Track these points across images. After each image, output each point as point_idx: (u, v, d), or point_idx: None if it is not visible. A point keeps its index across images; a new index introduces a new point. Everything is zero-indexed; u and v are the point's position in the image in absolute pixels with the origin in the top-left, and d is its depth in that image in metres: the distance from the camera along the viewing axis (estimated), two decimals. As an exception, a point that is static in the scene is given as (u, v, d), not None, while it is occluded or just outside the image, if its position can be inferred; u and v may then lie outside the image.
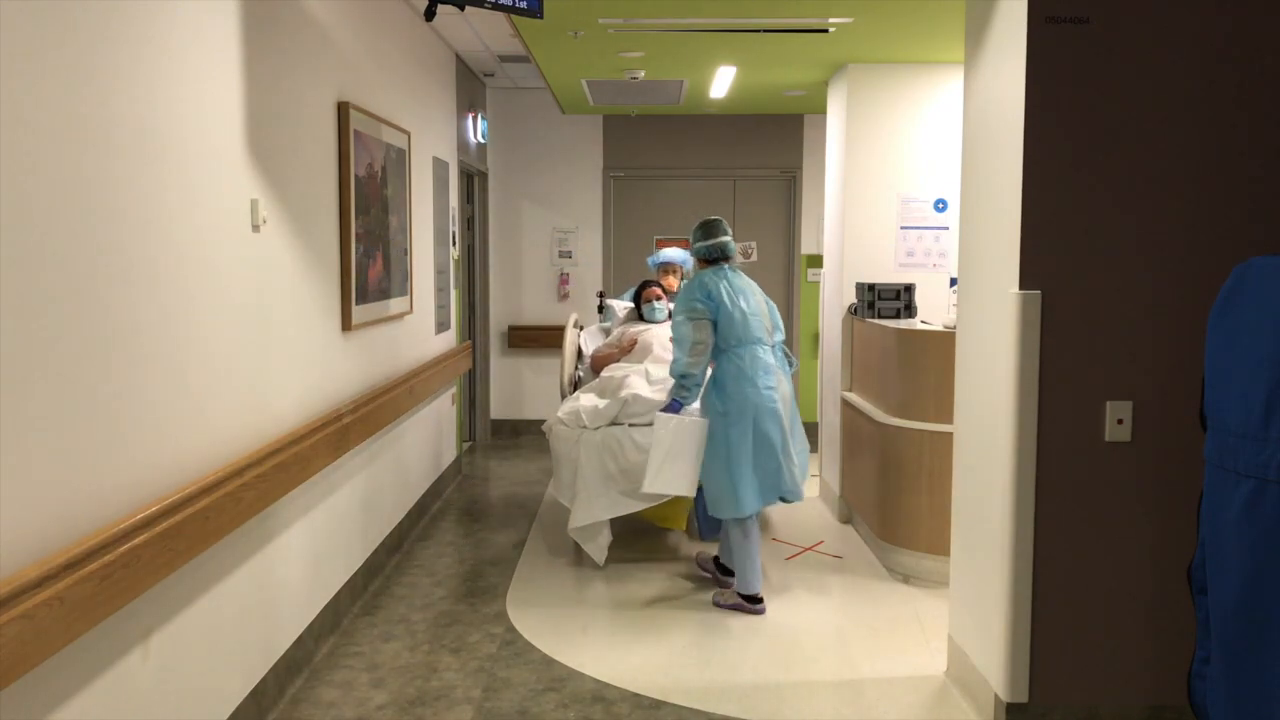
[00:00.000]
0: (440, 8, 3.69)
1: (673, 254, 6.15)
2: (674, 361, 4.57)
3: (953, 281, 5.86)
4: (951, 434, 3.92)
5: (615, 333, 6.05)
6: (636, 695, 3.63)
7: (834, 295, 6.25)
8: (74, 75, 2.30)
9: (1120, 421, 3.20)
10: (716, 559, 4.89)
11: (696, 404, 4.66)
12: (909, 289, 5.59)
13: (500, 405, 8.67)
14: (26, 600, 2.03)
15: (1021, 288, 3.20)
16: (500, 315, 8.61)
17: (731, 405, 4.44)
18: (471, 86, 7.63)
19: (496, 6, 3.76)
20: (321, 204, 4.05)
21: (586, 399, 5.17)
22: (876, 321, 5.42)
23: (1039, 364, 3.20)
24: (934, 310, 5.84)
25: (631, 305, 6.20)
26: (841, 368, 5.98)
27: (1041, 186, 3.19)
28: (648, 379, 5.23)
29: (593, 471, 4.90)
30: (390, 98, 5.16)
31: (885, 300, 5.57)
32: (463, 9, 3.68)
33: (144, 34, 2.61)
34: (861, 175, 5.96)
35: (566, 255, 8.61)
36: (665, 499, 4.83)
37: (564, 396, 5.72)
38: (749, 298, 4.57)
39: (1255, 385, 1.97)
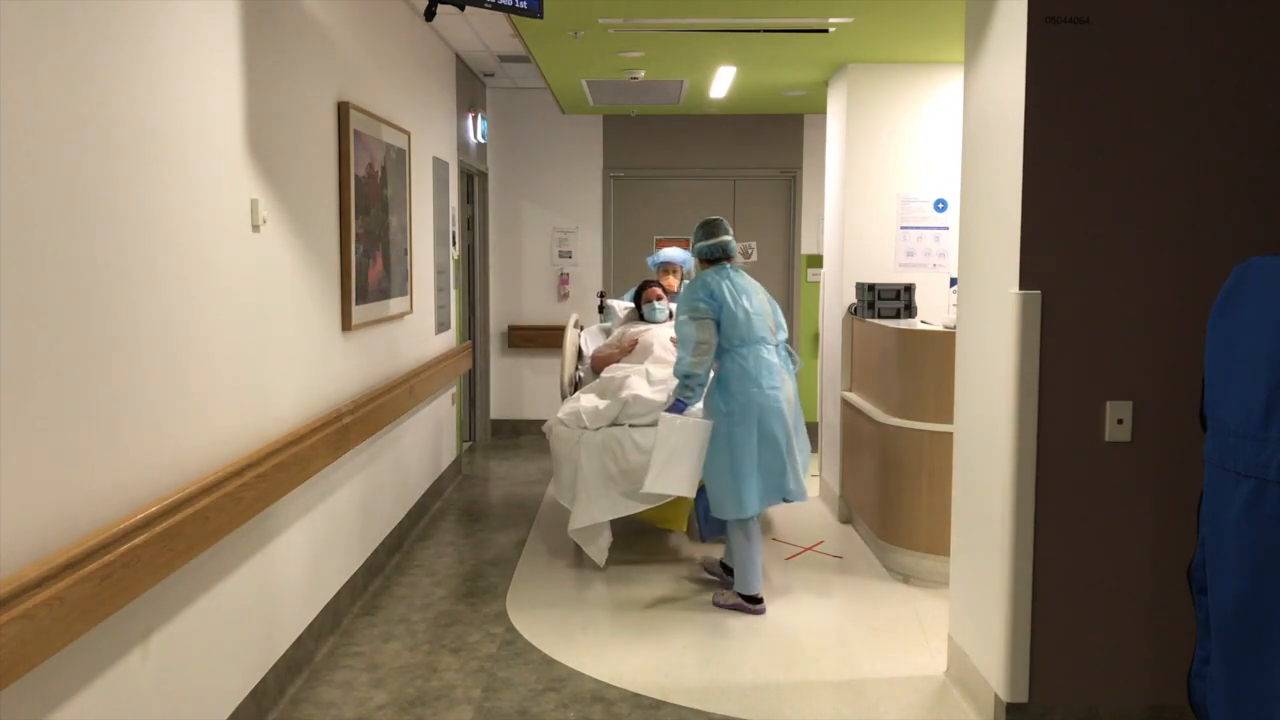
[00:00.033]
0: (440, 8, 3.69)
1: (673, 254, 6.15)
2: (678, 362, 4.57)
3: (953, 281, 5.86)
4: (951, 434, 3.92)
5: (616, 333, 6.04)
6: (636, 695, 3.63)
7: (834, 295, 6.25)
8: (74, 75, 2.30)
9: (1120, 421, 3.20)
10: (722, 562, 4.88)
11: (699, 405, 4.65)
12: (909, 289, 5.59)
13: (500, 405, 8.67)
14: (26, 600, 2.03)
15: (1021, 288, 3.20)
16: (500, 315, 8.61)
17: (735, 405, 4.43)
18: (471, 86, 7.63)
19: (496, 6, 3.76)
20: (321, 204, 4.05)
21: (587, 399, 5.17)
22: (876, 321, 5.42)
23: (1039, 364, 3.20)
24: (934, 310, 5.84)
25: (632, 305, 6.19)
26: (841, 368, 5.98)
27: (1041, 186, 3.19)
28: (648, 379, 5.22)
29: (593, 472, 4.90)
30: (390, 98, 5.16)
31: (885, 300, 5.57)
32: (463, 9, 3.68)
33: (144, 34, 2.61)
34: (861, 175, 5.96)
35: (566, 255, 8.61)
36: (666, 499, 4.83)
37: (564, 397, 5.72)
38: (752, 297, 4.57)
39: (1255, 385, 1.97)
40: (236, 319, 3.21)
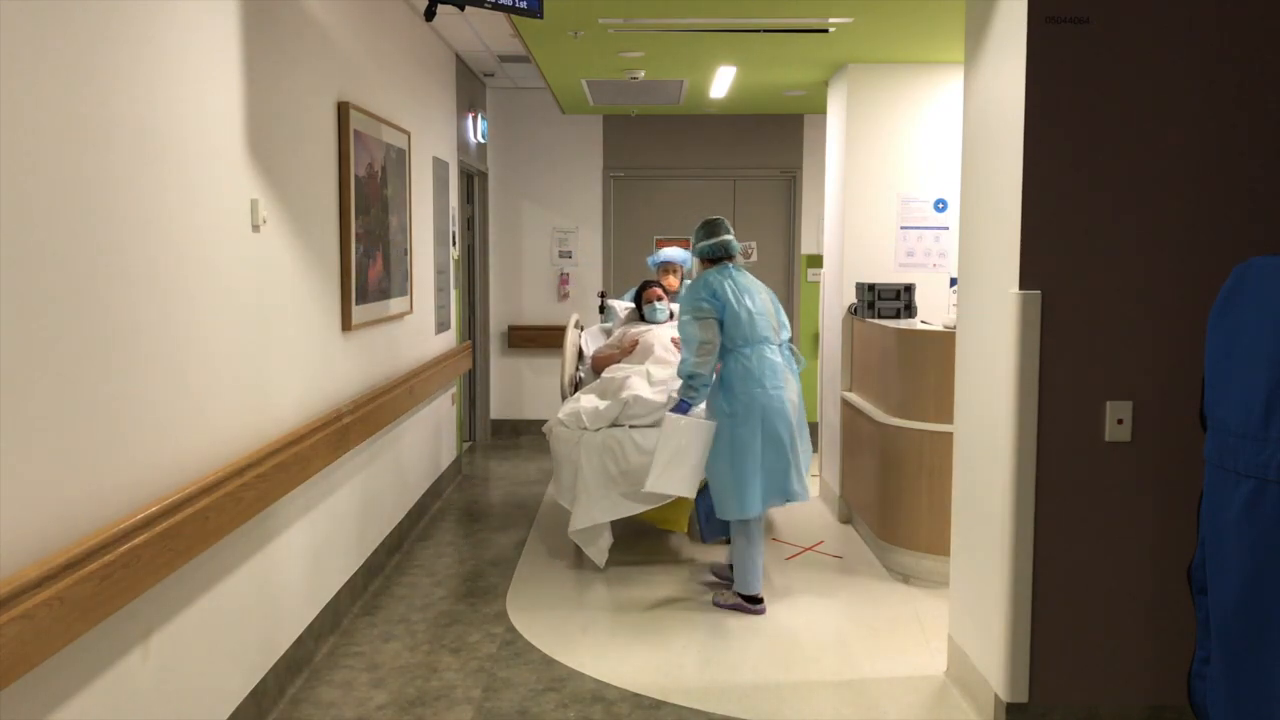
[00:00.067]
0: (440, 8, 3.69)
1: (673, 253, 6.15)
2: (681, 362, 4.56)
3: (953, 281, 5.86)
4: (951, 434, 3.92)
5: (616, 333, 6.04)
6: (636, 695, 3.63)
7: (834, 295, 6.25)
8: (74, 75, 2.30)
9: (1120, 421, 3.20)
10: (731, 565, 4.87)
11: (703, 405, 4.65)
12: (909, 289, 5.59)
13: (500, 405, 8.67)
14: (26, 600, 2.03)
15: (1021, 288, 3.20)
16: (500, 315, 8.61)
17: (739, 406, 4.42)
18: (471, 86, 7.63)
19: (496, 6, 3.76)
20: (321, 204, 4.05)
21: (587, 400, 5.16)
22: (876, 321, 5.42)
23: (1039, 364, 3.20)
24: (934, 310, 5.83)
25: (632, 306, 6.19)
26: (841, 368, 5.98)
27: (1041, 186, 3.19)
28: (649, 380, 5.22)
29: (593, 473, 4.89)
30: (390, 98, 5.16)
31: (885, 300, 5.57)
32: (463, 9, 3.68)
33: (144, 34, 2.61)
34: (861, 175, 5.96)
35: (566, 255, 8.61)
36: (667, 500, 4.82)
37: (564, 397, 5.71)
38: (754, 296, 4.56)
39: (1255, 385, 1.97)
40: (236, 319, 3.21)
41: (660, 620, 4.41)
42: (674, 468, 4.46)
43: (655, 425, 4.82)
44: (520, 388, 8.67)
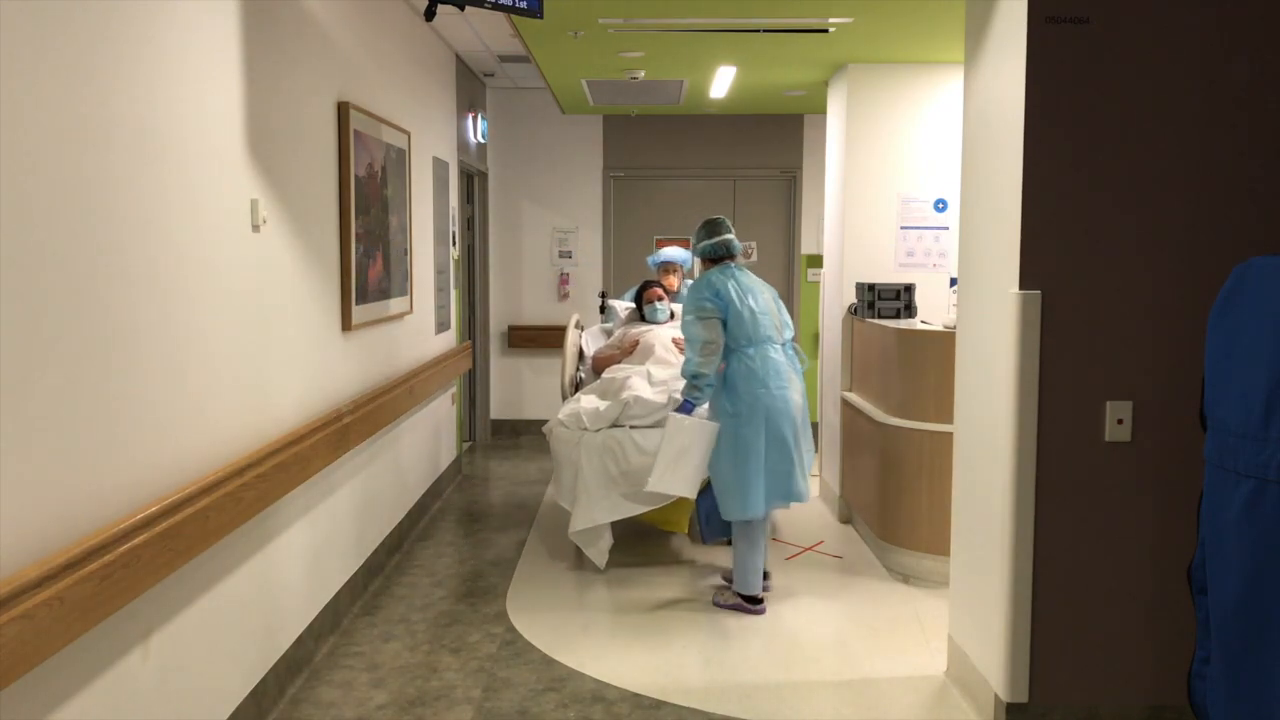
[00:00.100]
0: (440, 8, 3.69)
1: (673, 253, 6.15)
2: (685, 362, 4.55)
3: (953, 281, 5.86)
4: (951, 434, 3.92)
5: (617, 334, 6.04)
6: (636, 695, 3.63)
7: (834, 295, 6.25)
8: (74, 75, 2.30)
9: (1120, 421, 3.20)
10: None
11: (706, 405, 4.64)
12: (909, 289, 5.59)
13: (500, 405, 8.67)
14: (26, 600, 2.03)
15: (1021, 288, 3.20)
16: (500, 315, 8.61)
17: (742, 407, 4.42)
18: (471, 86, 7.63)
19: (496, 6, 3.76)
20: (321, 204, 4.05)
21: (587, 400, 5.16)
22: (876, 321, 5.42)
23: (1039, 364, 3.20)
24: (934, 310, 5.83)
25: (633, 306, 6.19)
26: (841, 368, 5.98)
27: (1041, 186, 3.19)
28: (649, 380, 5.21)
29: (594, 474, 4.88)
30: (390, 98, 5.16)
31: (885, 300, 5.57)
32: (463, 9, 3.68)
33: (144, 34, 2.61)
34: (861, 175, 5.96)
35: (566, 255, 8.61)
36: (668, 500, 4.82)
37: (565, 398, 5.71)
38: (758, 296, 4.56)
39: (1255, 385, 1.97)
40: (236, 319, 3.21)
41: (660, 620, 4.41)
42: (677, 468, 4.46)
43: (656, 426, 4.82)
44: (520, 388, 8.67)
